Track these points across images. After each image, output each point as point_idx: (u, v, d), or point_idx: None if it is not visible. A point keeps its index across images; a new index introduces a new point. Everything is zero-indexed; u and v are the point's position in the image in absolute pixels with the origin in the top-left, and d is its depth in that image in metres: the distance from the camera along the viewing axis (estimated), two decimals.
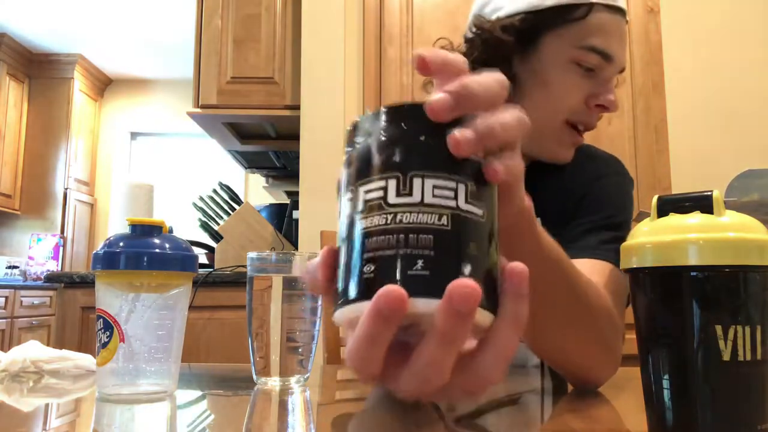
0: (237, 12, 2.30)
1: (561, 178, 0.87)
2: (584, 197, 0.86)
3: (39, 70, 4.95)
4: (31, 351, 0.72)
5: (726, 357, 0.34)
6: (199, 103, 2.27)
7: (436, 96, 0.31)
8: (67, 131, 4.86)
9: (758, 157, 2.10)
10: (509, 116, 0.33)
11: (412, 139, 0.31)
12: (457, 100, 0.31)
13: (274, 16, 2.31)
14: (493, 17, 0.81)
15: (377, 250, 0.30)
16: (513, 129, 0.33)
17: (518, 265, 0.31)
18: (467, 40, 0.84)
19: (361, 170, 0.32)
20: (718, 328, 0.35)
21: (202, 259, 2.49)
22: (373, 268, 0.30)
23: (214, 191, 2.64)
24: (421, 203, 0.30)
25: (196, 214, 2.55)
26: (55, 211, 4.81)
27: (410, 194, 0.30)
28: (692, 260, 0.35)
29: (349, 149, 0.34)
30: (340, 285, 0.32)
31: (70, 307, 1.96)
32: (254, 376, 0.65)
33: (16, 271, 4.55)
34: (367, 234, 0.31)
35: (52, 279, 2.05)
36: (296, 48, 2.26)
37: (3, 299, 3.96)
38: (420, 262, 0.29)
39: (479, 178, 0.32)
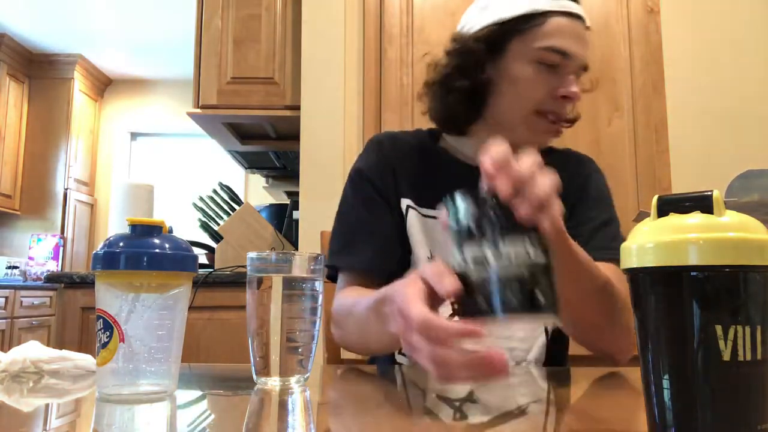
0: (237, 12, 2.30)
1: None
2: (581, 195, 0.99)
3: (39, 70, 4.95)
4: (31, 351, 0.72)
5: (726, 357, 0.34)
6: (199, 104, 2.27)
7: (501, 182, 0.49)
8: (67, 131, 4.86)
9: (758, 157, 2.10)
10: (547, 183, 0.51)
11: (496, 218, 0.49)
12: (514, 183, 0.49)
13: (274, 16, 2.31)
14: (467, 33, 0.96)
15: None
16: (550, 190, 0.51)
17: None
18: (447, 53, 0.97)
19: (468, 235, 0.50)
20: (718, 328, 0.34)
21: (202, 259, 2.49)
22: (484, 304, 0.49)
23: (214, 191, 2.64)
24: (509, 263, 0.48)
25: (196, 214, 2.55)
26: (55, 211, 4.81)
27: (502, 256, 0.48)
28: (692, 260, 0.35)
29: (452, 223, 0.52)
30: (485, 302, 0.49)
31: (70, 308, 1.96)
32: (254, 376, 0.65)
33: (16, 271, 4.55)
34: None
35: (52, 279, 2.05)
36: (296, 48, 2.26)
37: (3, 299, 3.96)
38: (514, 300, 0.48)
39: (538, 234, 0.49)
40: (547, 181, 0.51)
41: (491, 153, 0.51)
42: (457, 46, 0.95)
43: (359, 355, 1.02)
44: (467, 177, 1.01)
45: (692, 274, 0.35)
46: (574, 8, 0.92)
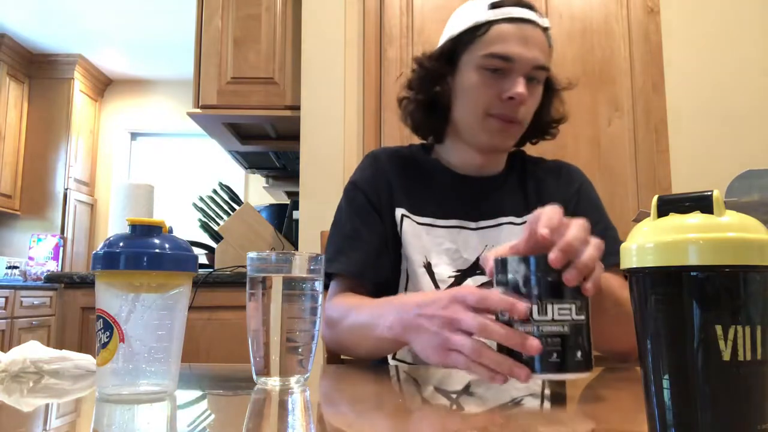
0: (237, 12, 2.30)
1: (552, 187, 1.06)
2: (577, 205, 1.04)
3: (39, 71, 4.95)
4: (31, 351, 0.72)
5: (726, 357, 0.34)
6: (199, 104, 2.27)
7: (554, 254, 0.54)
8: (67, 131, 4.87)
9: (758, 157, 2.10)
10: (593, 250, 0.57)
11: (543, 279, 0.55)
12: (566, 254, 0.55)
13: (274, 16, 2.31)
14: (427, 54, 1.07)
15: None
16: (595, 257, 0.57)
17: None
18: (413, 71, 1.08)
19: (514, 291, 0.56)
20: (718, 328, 0.34)
21: (202, 259, 2.49)
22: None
23: (214, 191, 2.64)
24: (552, 320, 0.54)
25: (196, 214, 2.55)
26: (55, 211, 4.81)
27: (546, 314, 0.54)
28: (692, 260, 0.35)
29: (501, 277, 0.57)
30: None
31: (70, 308, 1.96)
32: (254, 376, 0.65)
33: (16, 271, 4.55)
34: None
35: (52, 279, 2.05)
36: (296, 48, 2.26)
37: (3, 299, 3.96)
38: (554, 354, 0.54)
39: (581, 295, 0.55)
40: (593, 251, 0.57)
41: (544, 220, 0.58)
42: (419, 69, 1.06)
43: (347, 357, 1.04)
44: (454, 184, 1.05)
45: (692, 274, 0.35)
46: (519, 14, 0.97)
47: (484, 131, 1.00)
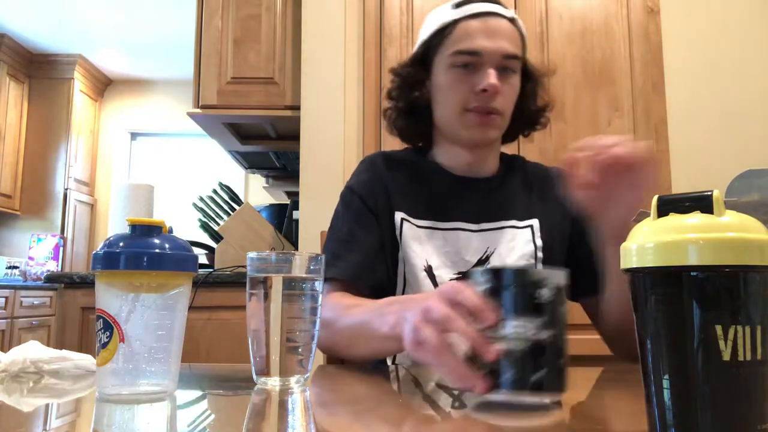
0: (237, 12, 2.30)
1: (555, 191, 1.05)
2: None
3: (39, 71, 4.95)
4: (31, 351, 0.72)
5: (726, 357, 0.34)
6: (199, 104, 2.27)
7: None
8: (67, 131, 4.87)
9: (758, 157, 2.10)
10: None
11: (509, 292, 0.53)
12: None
13: (274, 16, 2.31)
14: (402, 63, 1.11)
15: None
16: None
17: None
18: (391, 81, 1.11)
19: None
20: (718, 328, 0.34)
21: (202, 259, 2.49)
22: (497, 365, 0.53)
23: (214, 191, 2.64)
24: (515, 335, 0.52)
25: (196, 214, 2.55)
26: (55, 211, 4.81)
27: (507, 328, 0.52)
28: (692, 260, 0.35)
29: (487, 287, 0.54)
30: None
31: (70, 308, 1.96)
32: (254, 376, 0.65)
33: (16, 271, 4.55)
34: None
35: (52, 279, 2.05)
36: (296, 48, 2.26)
37: (3, 299, 3.96)
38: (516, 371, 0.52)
39: (551, 311, 0.53)
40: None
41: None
42: (397, 78, 1.09)
43: (343, 359, 1.04)
44: (453, 186, 1.05)
45: (692, 274, 0.35)
46: (482, 8, 0.99)
47: (464, 127, 1.01)
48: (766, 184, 0.65)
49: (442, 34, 1.01)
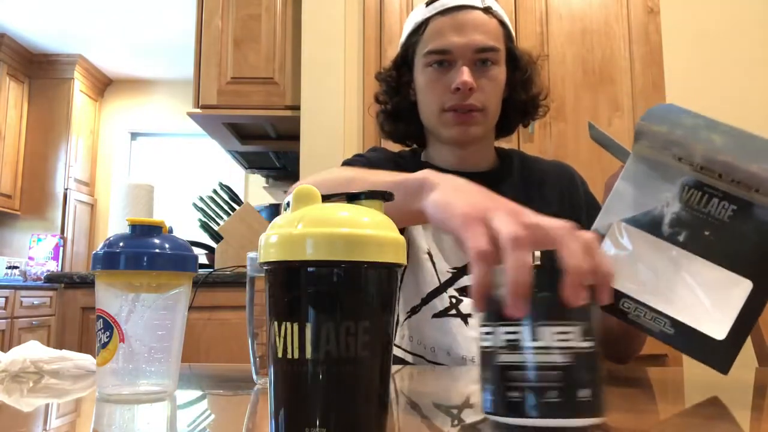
0: (237, 12, 2.30)
1: (555, 186, 1.05)
2: (585, 205, 1.04)
3: (39, 70, 4.95)
4: (31, 351, 0.72)
5: (279, 353, 0.34)
6: (199, 104, 2.27)
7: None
8: (67, 131, 4.86)
9: None
10: (606, 264, 0.44)
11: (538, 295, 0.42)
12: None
13: (274, 16, 2.31)
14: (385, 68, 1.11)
15: (518, 381, 0.42)
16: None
17: None
18: (380, 85, 1.11)
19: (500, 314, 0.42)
20: (275, 324, 0.35)
21: (202, 259, 2.49)
22: (516, 394, 0.42)
23: (214, 191, 2.64)
24: (548, 347, 0.41)
25: (196, 214, 2.55)
26: (55, 211, 4.81)
27: (539, 338, 0.41)
28: (267, 256, 0.36)
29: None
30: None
31: (70, 308, 1.96)
32: (254, 376, 0.65)
33: (16, 271, 4.54)
34: (509, 366, 0.42)
35: (52, 279, 2.05)
36: (296, 48, 2.26)
37: (3, 299, 3.96)
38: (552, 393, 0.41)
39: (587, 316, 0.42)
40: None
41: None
42: (383, 85, 1.09)
43: None
44: None
45: (266, 267, 0.36)
46: (452, 2, 0.97)
47: (444, 127, 1.00)
48: (688, 124, 0.62)
49: (417, 34, 1.01)
